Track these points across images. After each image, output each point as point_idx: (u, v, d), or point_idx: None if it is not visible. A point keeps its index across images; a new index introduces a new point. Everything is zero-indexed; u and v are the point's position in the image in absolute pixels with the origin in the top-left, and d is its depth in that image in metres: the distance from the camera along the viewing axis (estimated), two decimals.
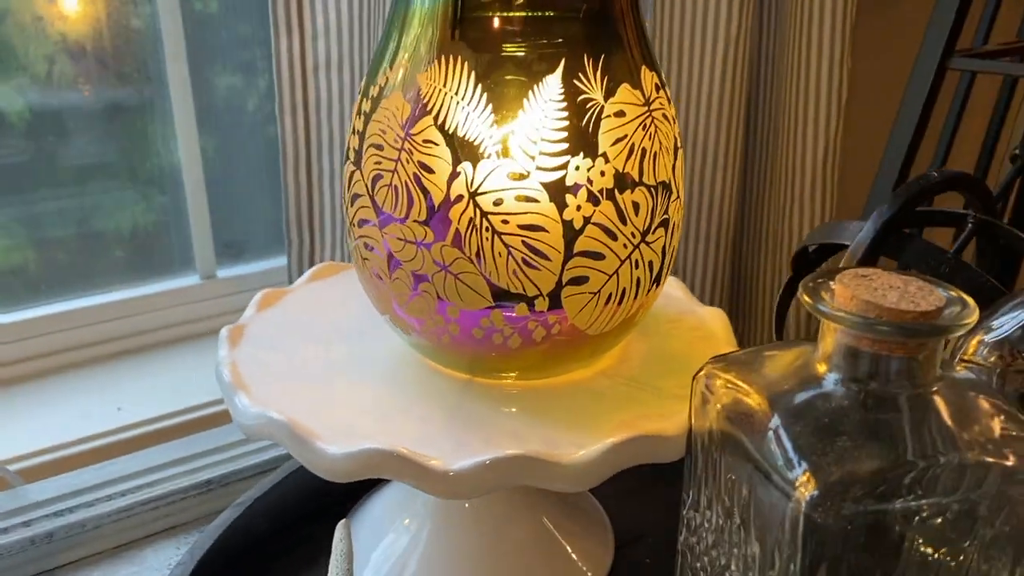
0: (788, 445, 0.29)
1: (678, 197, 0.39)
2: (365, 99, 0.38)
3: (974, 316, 0.29)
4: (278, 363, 0.42)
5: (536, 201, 0.35)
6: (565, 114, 0.35)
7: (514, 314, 0.37)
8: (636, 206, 0.37)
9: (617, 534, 0.50)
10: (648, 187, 0.37)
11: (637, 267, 0.38)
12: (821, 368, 0.32)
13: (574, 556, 0.47)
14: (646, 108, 0.37)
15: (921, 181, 0.41)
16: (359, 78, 0.68)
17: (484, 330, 0.37)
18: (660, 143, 0.37)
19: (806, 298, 0.31)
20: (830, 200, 0.79)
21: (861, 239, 0.40)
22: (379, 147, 0.37)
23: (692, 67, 0.75)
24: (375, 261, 0.38)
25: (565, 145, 0.35)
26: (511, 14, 0.35)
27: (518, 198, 0.35)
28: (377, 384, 0.41)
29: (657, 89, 0.38)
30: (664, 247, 0.39)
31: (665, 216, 0.38)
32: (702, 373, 0.35)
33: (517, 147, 0.35)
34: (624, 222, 0.36)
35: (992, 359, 0.36)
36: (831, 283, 0.31)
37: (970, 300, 0.29)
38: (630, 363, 0.43)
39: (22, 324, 0.75)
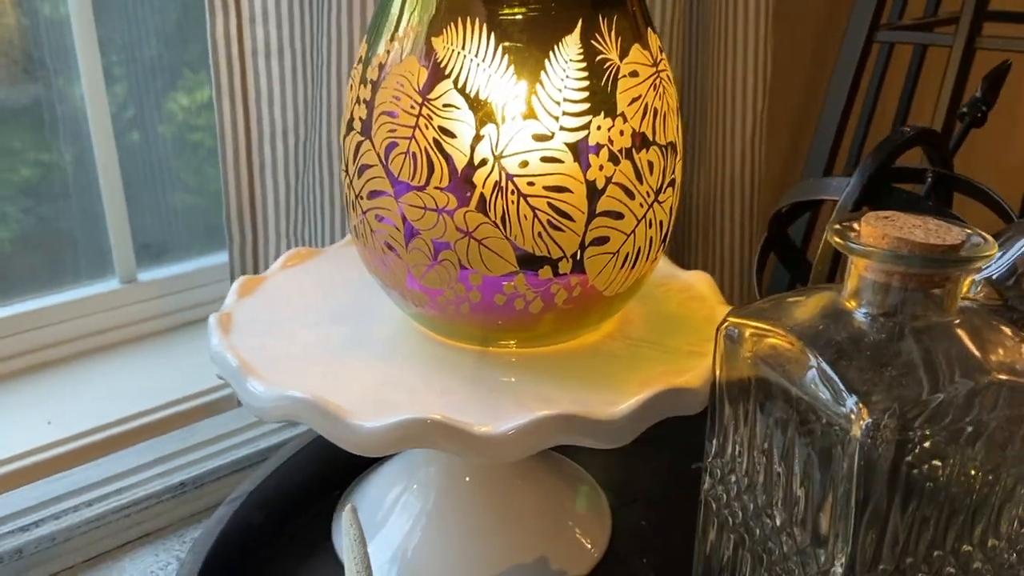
0: (836, 380, 0.31)
1: (681, 157, 0.40)
2: (369, 67, 0.37)
3: (994, 248, 0.31)
4: (279, 347, 0.41)
5: (561, 162, 0.35)
6: (586, 74, 0.35)
7: (538, 278, 0.37)
8: (651, 165, 0.37)
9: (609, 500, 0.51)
10: (660, 147, 0.38)
11: (651, 226, 0.38)
12: (851, 305, 0.33)
13: (573, 524, 0.48)
14: (655, 69, 0.37)
15: (895, 137, 0.43)
16: (301, 65, 0.66)
17: (507, 296, 0.37)
18: (668, 104, 0.38)
19: (836, 239, 0.32)
20: (759, 172, 0.82)
21: (849, 193, 0.42)
22: (392, 114, 0.36)
23: None
24: (389, 233, 0.37)
25: (587, 105, 0.35)
26: None
27: (543, 159, 0.35)
28: (388, 360, 0.40)
29: (661, 51, 0.39)
30: (671, 207, 0.40)
31: (673, 176, 0.39)
32: (725, 325, 0.36)
33: (541, 108, 0.35)
34: (641, 181, 0.37)
35: (981, 296, 0.39)
36: (855, 225, 0.33)
37: (987, 235, 0.32)
38: (633, 326, 0.44)
39: None
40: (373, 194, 0.38)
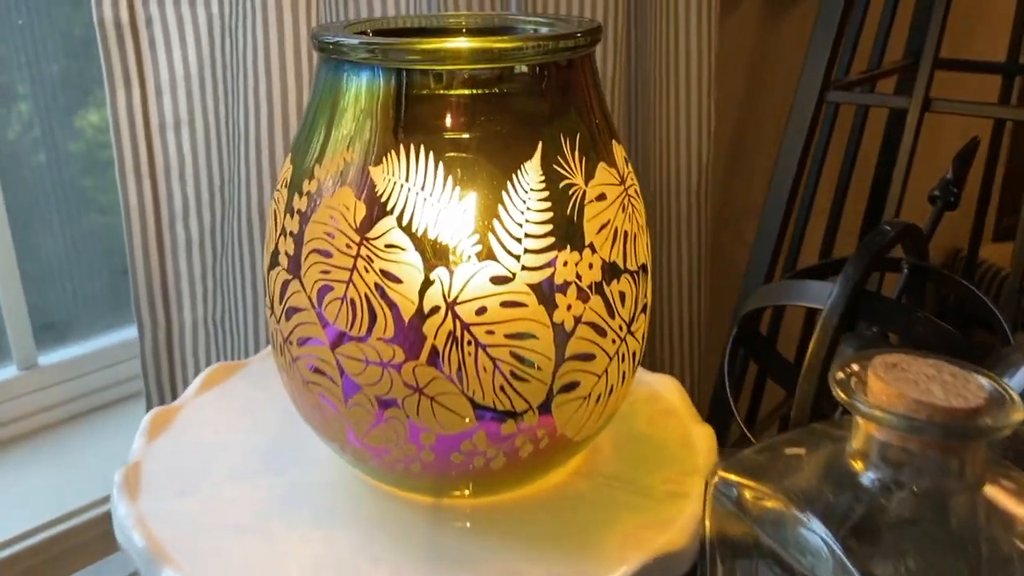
0: (854, 572, 0.27)
1: (651, 275, 0.36)
2: (298, 195, 0.32)
3: (1020, 410, 0.27)
4: (196, 513, 0.35)
5: (524, 305, 0.30)
6: (548, 204, 0.30)
7: (500, 433, 0.32)
8: (623, 296, 0.33)
9: None
10: (631, 273, 0.33)
11: (623, 361, 0.34)
12: (857, 466, 0.29)
13: None
14: (623, 187, 0.33)
15: (878, 238, 0.40)
16: (215, 136, 0.60)
17: (464, 454, 0.32)
18: (637, 222, 0.34)
19: (842, 395, 0.28)
20: (706, 229, 0.79)
21: (834, 305, 0.38)
22: (326, 254, 0.30)
23: None
24: (323, 386, 0.32)
25: (551, 239, 0.30)
26: (463, 92, 0.30)
27: (504, 304, 0.30)
28: (326, 526, 0.34)
29: (626, 163, 0.34)
30: (644, 333, 0.36)
31: (645, 300, 0.35)
32: (716, 480, 0.32)
33: (499, 246, 0.30)
34: (613, 316, 0.32)
35: None
36: (856, 368, 0.29)
37: (1011, 391, 0.28)
38: (602, 455, 0.39)
39: None
40: (304, 340, 0.32)
